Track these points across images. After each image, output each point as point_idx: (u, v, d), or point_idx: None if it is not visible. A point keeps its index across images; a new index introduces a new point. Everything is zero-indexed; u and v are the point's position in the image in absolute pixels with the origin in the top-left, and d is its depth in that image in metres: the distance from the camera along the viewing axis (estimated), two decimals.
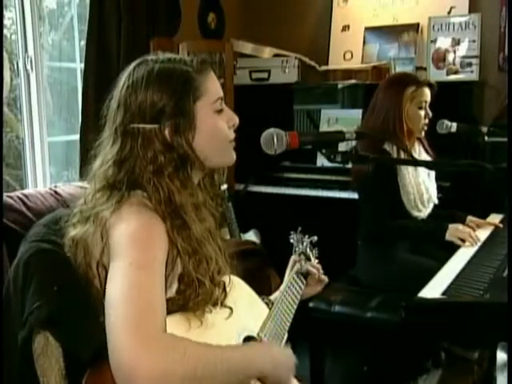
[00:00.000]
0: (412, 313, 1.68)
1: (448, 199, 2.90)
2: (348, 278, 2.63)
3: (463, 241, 2.29)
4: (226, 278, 1.27)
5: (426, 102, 2.50)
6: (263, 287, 1.67)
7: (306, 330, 2.43)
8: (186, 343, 1.04)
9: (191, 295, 1.16)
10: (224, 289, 1.24)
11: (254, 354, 1.17)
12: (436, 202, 2.59)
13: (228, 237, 3.11)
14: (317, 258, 1.78)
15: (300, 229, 1.77)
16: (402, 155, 2.47)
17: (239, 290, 1.37)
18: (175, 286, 1.18)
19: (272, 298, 1.60)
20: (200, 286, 1.16)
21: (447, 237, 2.35)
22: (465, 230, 2.33)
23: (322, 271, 1.73)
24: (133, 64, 1.26)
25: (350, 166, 2.52)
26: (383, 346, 2.47)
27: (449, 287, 1.73)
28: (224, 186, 2.83)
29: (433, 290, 1.73)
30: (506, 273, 1.82)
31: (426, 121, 2.51)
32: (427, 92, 2.50)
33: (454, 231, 2.34)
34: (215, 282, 1.21)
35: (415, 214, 2.50)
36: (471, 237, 2.28)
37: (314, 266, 1.71)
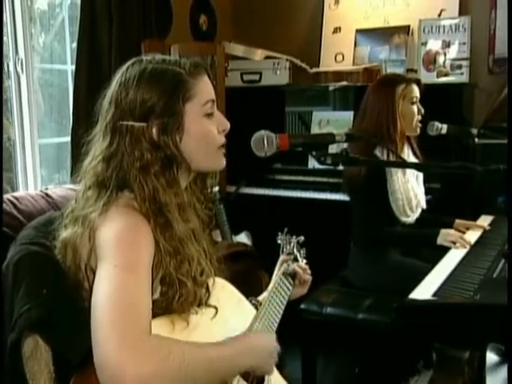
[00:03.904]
0: (403, 314, 1.69)
1: (438, 201, 2.91)
2: (340, 280, 2.64)
3: (454, 243, 2.31)
4: (209, 281, 1.27)
5: (416, 97, 2.53)
6: (254, 289, 1.67)
7: (298, 331, 2.44)
8: (170, 343, 1.04)
9: (174, 296, 1.16)
10: (207, 289, 1.24)
11: (240, 349, 1.17)
12: (424, 206, 2.61)
13: (220, 239, 3.11)
14: (305, 258, 1.79)
15: (286, 229, 1.77)
16: (392, 159, 2.48)
17: (226, 293, 1.37)
18: (159, 288, 1.18)
19: (260, 298, 1.60)
20: (181, 287, 1.16)
21: (438, 241, 2.38)
22: (456, 233, 2.37)
23: (309, 271, 1.73)
24: (128, 63, 1.27)
25: (341, 168, 2.53)
26: (375, 347, 2.47)
27: (439, 288, 1.74)
28: (215, 188, 2.83)
29: (424, 291, 1.73)
30: (496, 274, 1.84)
31: (420, 117, 2.53)
32: (416, 89, 2.54)
33: (445, 236, 2.37)
34: (198, 283, 1.20)
35: (403, 219, 2.52)
36: (462, 239, 2.31)
37: (301, 266, 1.71)
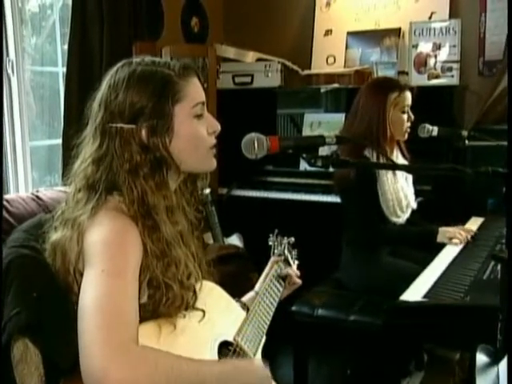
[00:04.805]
0: (394, 316, 1.70)
1: (429, 203, 2.93)
2: (331, 282, 2.64)
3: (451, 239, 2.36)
4: (197, 284, 1.27)
5: (408, 105, 2.53)
6: (246, 291, 1.67)
7: (290, 333, 2.44)
8: (157, 355, 1.04)
9: (161, 300, 1.16)
10: (194, 292, 1.24)
11: (231, 372, 1.17)
12: (414, 207, 2.63)
13: (211, 241, 3.11)
14: (297, 259, 1.79)
15: (277, 231, 1.77)
16: (381, 160, 2.49)
17: (214, 296, 1.37)
18: (147, 292, 1.17)
19: (245, 299, 1.60)
20: (168, 290, 1.16)
21: (438, 239, 2.40)
22: (454, 230, 2.40)
23: (298, 273, 1.73)
24: (117, 65, 1.27)
25: (332, 170, 2.54)
26: (366, 349, 2.48)
27: (430, 290, 1.75)
28: (207, 190, 2.83)
29: (414, 293, 1.74)
30: (486, 275, 1.85)
31: (409, 124, 2.54)
32: (409, 96, 2.53)
33: (444, 233, 2.40)
34: (184, 286, 1.20)
35: (394, 219, 2.53)
36: (461, 234, 2.35)
37: (294, 270, 1.72)
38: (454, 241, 2.34)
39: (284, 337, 2.30)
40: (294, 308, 2.43)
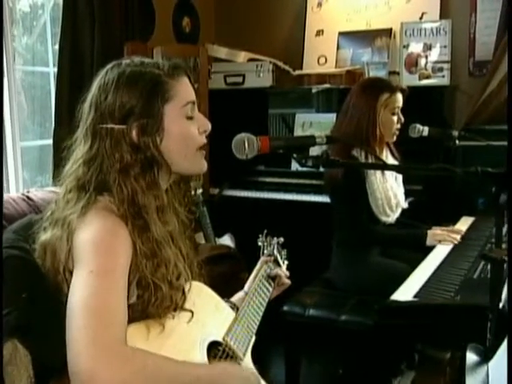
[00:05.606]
0: (385, 315, 1.70)
1: (420, 203, 2.94)
2: (322, 282, 2.64)
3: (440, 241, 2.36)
4: (186, 285, 1.27)
5: (398, 107, 2.53)
6: (237, 291, 1.67)
7: (281, 333, 2.44)
8: (146, 356, 1.04)
9: (150, 300, 1.16)
10: (183, 292, 1.24)
11: (219, 374, 1.17)
12: (404, 206, 2.63)
13: (203, 241, 3.11)
14: (287, 259, 1.79)
15: (266, 231, 1.78)
16: (370, 160, 2.50)
17: (204, 296, 1.37)
18: (136, 292, 1.17)
19: (234, 299, 1.60)
20: (156, 290, 1.16)
21: (428, 242, 2.41)
22: (443, 232, 2.41)
23: (287, 274, 1.74)
24: (107, 66, 1.28)
25: (323, 170, 2.54)
26: (358, 348, 2.48)
27: (421, 290, 1.76)
28: (199, 191, 2.84)
29: (405, 292, 1.75)
30: (476, 275, 1.86)
31: (399, 125, 2.54)
32: (400, 97, 2.53)
33: (432, 236, 2.41)
34: (174, 287, 1.20)
35: (383, 219, 2.54)
36: (450, 236, 2.36)
37: (283, 270, 1.72)
38: (444, 242, 2.34)
39: (276, 337, 2.30)
40: (285, 308, 2.43)
